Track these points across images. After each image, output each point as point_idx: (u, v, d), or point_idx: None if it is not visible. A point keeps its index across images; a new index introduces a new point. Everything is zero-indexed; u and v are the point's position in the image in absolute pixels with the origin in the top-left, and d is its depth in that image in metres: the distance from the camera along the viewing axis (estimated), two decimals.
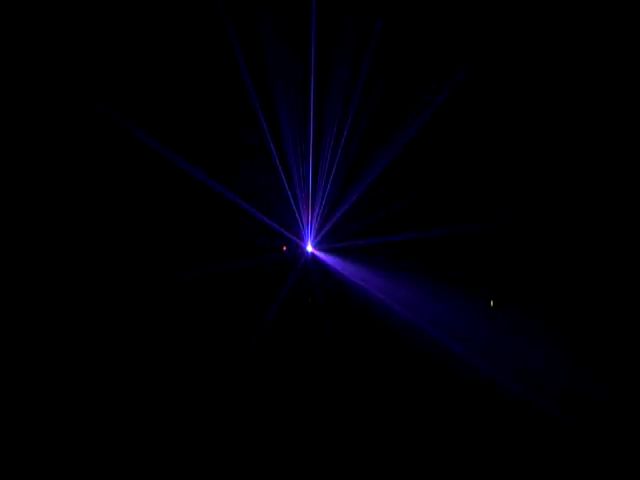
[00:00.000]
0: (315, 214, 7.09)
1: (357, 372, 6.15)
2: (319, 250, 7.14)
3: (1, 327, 5.61)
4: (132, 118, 6.39)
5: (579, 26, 6.39)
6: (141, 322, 6.18)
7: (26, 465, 4.41)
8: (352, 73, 6.83)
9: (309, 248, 7.14)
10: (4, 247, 5.97)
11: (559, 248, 6.63)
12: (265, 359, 6.13)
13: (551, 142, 6.65)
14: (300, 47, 6.71)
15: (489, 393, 5.91)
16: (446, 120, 6.80)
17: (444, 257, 6.87)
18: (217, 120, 6.72)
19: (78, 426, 4.86)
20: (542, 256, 6.67)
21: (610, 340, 5.99)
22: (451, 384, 6.02)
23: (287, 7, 6.57)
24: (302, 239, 7.07)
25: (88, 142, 6.38)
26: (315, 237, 7.13)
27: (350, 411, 5.54)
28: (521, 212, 6.71)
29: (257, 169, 6.88)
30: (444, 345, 6.45)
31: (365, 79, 6.82)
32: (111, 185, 6.47)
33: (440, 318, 6.67)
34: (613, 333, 6.03)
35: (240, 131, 6.81)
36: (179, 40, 6.48)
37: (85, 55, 6.28)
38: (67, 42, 6.21)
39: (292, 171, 6.97)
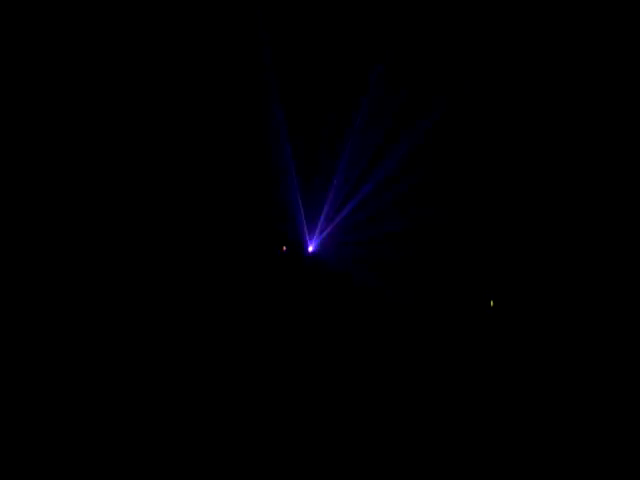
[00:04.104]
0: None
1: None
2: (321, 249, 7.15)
3: (1, 327, 5.60)
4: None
5: (579, 29, 6.42)
6: (141, 322, 6.17)
7: (26, 465, 4.41)
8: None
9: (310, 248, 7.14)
10: (4, 247, 5.97)
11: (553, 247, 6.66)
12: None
13: (550, 143, 6.68)
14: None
15: None
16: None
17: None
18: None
19: (77, 426, 4.86)
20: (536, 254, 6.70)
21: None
22: None
23: None
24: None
25: (88, 142, 6.40)
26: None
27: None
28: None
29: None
30: None
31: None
32: (112, 185, 6.48)
33: None
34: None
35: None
36: None
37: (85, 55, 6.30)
38: (68, 42, 6.22)
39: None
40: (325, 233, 7.15)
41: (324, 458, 4.86)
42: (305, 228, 7.09)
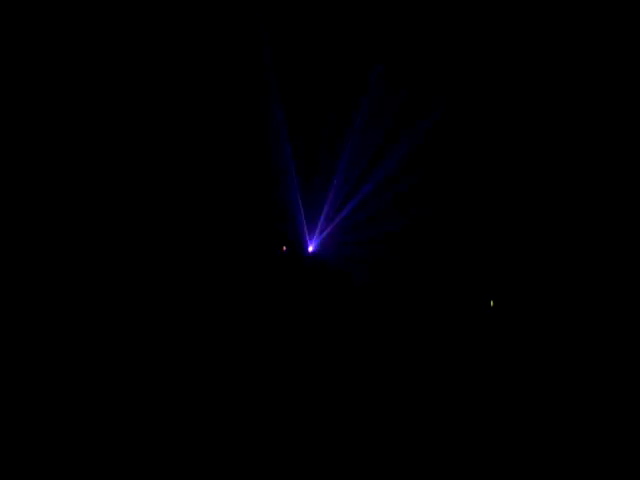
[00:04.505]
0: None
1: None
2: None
3: (1, 327, 5.61)
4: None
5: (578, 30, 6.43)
6: (141, 322, 6.18)
7: (26, 465, 4.41)
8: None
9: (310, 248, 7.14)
10: (4, 248, 5.98)
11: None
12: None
13: (551, 143, 6.69)
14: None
15: None
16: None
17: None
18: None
19: (78, 426, 4.86)
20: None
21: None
22: None
23: None
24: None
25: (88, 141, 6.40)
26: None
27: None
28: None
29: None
30: None
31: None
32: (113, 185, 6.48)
33: None
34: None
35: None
36: None
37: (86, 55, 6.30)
38: (68, 42, 6.22)
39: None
40: (325, 233, 7.15)
41: (324, 458, 4.87)
42: (305, 228, 7.09)
